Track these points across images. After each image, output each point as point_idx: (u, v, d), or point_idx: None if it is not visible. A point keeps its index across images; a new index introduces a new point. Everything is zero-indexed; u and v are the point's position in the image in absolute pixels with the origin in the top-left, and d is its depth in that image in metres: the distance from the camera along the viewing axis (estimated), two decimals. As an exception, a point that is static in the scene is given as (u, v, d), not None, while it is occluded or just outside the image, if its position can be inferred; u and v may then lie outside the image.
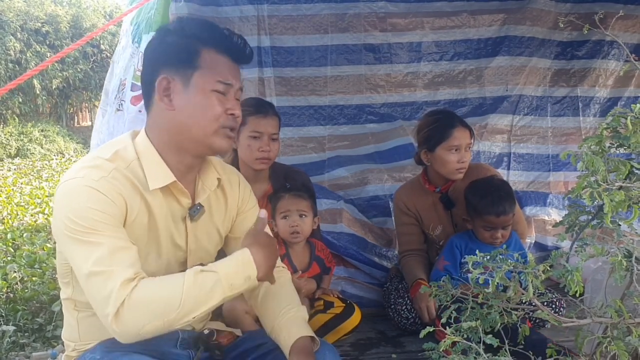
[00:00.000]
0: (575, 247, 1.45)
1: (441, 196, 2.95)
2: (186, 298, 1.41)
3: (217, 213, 1.77)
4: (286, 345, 1.66)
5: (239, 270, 1.50)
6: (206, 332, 1.77)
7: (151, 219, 1.58)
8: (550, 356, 1.58)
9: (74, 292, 1.61)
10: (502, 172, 3.92)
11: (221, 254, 1.89)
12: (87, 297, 1.47)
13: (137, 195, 1.54)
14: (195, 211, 1.65)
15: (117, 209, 1.48)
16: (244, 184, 1.89)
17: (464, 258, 2.66)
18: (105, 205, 1.46)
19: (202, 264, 1.55)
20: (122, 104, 3.11)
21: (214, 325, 1.89)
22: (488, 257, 1.54)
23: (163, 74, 1.55)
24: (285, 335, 1.68)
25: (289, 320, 1.72)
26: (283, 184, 2.73)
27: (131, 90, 2.76)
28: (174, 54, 1.55)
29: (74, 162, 12.50)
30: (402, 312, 2.86)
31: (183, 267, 1.69)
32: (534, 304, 1.47)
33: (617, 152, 1.41)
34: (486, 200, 2.65)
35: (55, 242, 1.66)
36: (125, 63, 3.34)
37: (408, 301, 2.86)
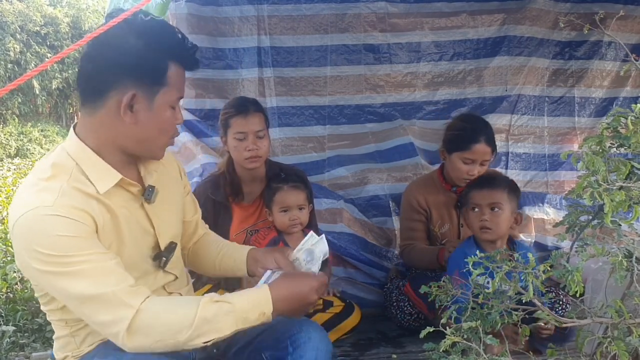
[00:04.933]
0: (576, 247, 1.45)
1: (460, 196, 2.94)
2: (199, 323, 1.45)
3: (169, 191, 1.80)
4: (243, 254, 1.91)
5: (255, 305, 1.52)
6: None
7: (114, 217, 1.57)
8: (551, 356, 1.59)
9: (64, 314, 1.61)
10: (500, 171, 3.92)
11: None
12: (84, 319, 1.50)
13: (93, 201, 1.52)
14: (149, 194, 1.66)
15: (84, 226, 1.46)
16: (181, 166, 1.96)
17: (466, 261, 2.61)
18: (71, 227, 1.43)
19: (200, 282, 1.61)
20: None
21: None
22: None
23: (130, 89, 1.50)
24: (241, 250, 1.93)
25: (234, 245, 2.00)
26: (278, 173, 2.72)
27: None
28: (143, 69, 1.51)
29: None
30: (405, 309, 2.86)
31: (156, 250, 1.71)
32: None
33: (618, 152, 1.41)
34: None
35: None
36: None
37: (410, 298, 2.86)
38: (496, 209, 2.49)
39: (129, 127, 1.54)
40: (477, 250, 2.53)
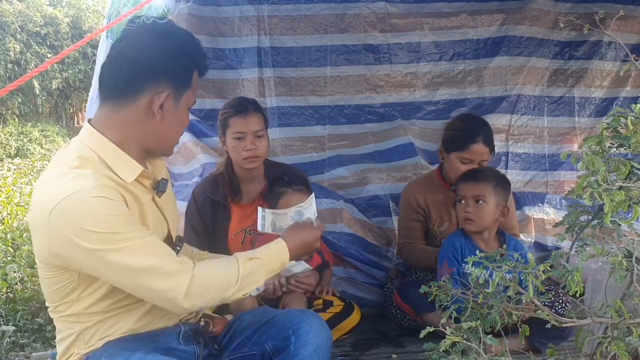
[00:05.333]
0: (576, 247, 1.45)
1: None
2: (241, 279, 1.66)
3: (168, 189, 1.88)
4: None
5: (277, 257, 1.77)
6: (202, 323, 1.86)
7: (140, 206, 1.66)
8: (551, 356, 1.59)
9: (78, 307, 1.63)
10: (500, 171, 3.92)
11: None
12: (136, 291, 1.56)
13: (121, 188, 1.59)
14: (163, 186, 1.76)
15: (124, 206, 1.56)
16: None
17: (465, 260, 2.64)
18: (117, 208, 1.52)
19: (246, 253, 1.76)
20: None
21: (207, 312, 1.96)
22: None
23: (165, 89, 1.61)
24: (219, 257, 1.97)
25: (207, 253, 2.08)
26: (281, 177, 2.72)
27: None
28: (178, 72, 1.64)
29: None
30: (406, 309, 2.86)
31: (168, 241, 1.78)
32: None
33: (618, 152, 1.42)
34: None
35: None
36: (101, 61, 3.29)
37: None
38: (480, 202, 2.57)
39: (156, 124, 1.64)
40: (464, 240, 2.63)
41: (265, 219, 2.15)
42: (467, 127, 2.89)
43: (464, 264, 2.62)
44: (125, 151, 1.63)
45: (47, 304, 1.71)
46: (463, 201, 2.61)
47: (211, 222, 2.72)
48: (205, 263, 1.70)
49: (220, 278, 1.65)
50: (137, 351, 1.56)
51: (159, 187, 1.74)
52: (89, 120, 1.68)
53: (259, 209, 2.20)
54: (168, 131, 1.70)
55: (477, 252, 2.55)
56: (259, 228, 2.16)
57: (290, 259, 1.81)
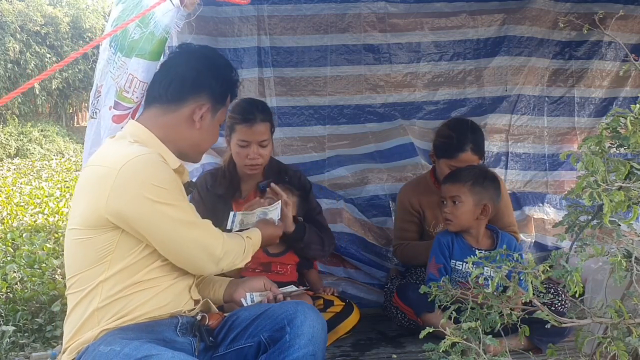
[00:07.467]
0: (575, 247, 1.45)
1: None
2: (246, 252, 1.99)
3: None
4: (222, 285, 2.11)
5: (257, 242, 2.12)
6: (199, 317, 1.91)
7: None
8: (551, 355, 1.59)
9: (107, 272, 1.70)
10: (499, 172, 3.92)
11: None
12: (177, 247, 1.76)
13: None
14: (193, 186, 2.02)
15: (176, 176, 1.80)
16: None
17: (453, 260, 2.68)
18: (173, 174, 1.78)
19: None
20: (96, 112, 3.05)
21: (204, 306, 1.99)
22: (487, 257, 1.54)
23: (207, 102, 1.89)
24: (221, 280, 2.13)
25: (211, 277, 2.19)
26: (282, 178, 2.71)
27: (115, 108, 2.62)
28: (221, 92, 1.94)
29: (74, 162, 12.52)
30: (405, 310, 2.86)
31: None
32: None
33: (617, 152, 1.42)
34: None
35: (68, 234, 1.81)
36: (102, 67, 3.28)
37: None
38: (457, 202, 2.64)
39: (194, 132, 1.89)
40: (454, 236, 2.68)
41: (234, 220, 2.35)
42: (455, 136, 2.88)
43: (452, 260, 2.68)
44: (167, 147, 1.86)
45: (70, 275, 1.77)
46: (444, 202, 2.69)
47: (212, 216, 2.72)
48: (227, 234, 1.97)
49: (237, 247, 1.95)
50: (134, 340, 1.61)
51: (189, 187, 1.94)
52: (134, 119, 1.94)
53: (231, 212, 2.37)
54: (202, 140, 1.93)
55: (468, 248, 2.62)
56: (228, 226, 2.34)
57: (260, 246, 2.15)
